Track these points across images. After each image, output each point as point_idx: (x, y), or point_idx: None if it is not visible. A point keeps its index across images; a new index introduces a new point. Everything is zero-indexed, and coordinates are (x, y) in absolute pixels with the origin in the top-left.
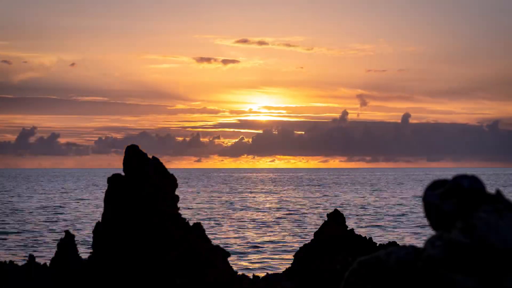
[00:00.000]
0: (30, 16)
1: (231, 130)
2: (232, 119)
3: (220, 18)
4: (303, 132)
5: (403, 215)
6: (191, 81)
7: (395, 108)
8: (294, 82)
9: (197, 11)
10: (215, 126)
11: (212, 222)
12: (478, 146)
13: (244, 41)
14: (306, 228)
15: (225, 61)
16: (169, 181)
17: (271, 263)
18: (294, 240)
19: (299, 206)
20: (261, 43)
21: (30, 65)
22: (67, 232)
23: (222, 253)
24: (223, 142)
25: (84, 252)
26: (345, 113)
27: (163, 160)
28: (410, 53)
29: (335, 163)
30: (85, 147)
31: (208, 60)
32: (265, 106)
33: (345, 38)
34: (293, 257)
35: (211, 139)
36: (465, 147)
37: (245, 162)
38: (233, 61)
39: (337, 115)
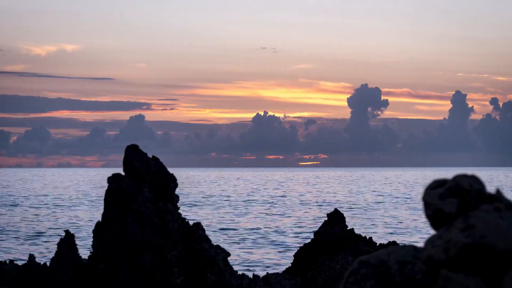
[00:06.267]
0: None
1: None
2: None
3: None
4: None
5: (403, 214)
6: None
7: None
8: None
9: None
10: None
11: (214, 221)
12: None
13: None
14: (306, 228)
15: None
16: (170, 180)
17: (271, 262)
18: (294, 240)
19: (299, 205)
20: None
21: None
22: (67, 231)
23: (222, 253)
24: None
25: (84, 252)
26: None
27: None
28: None
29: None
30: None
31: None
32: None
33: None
34: (293, 257)
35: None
36: None
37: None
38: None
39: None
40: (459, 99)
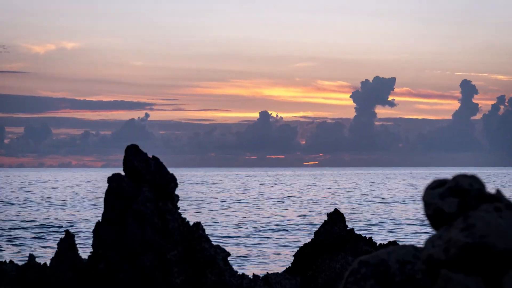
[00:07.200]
0: None
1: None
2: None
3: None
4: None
5: (403, 213)
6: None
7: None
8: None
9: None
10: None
11: (213, 221)
12: None
13: None
14: (306, 228)
15: None
16: (170, 180)
17: (271, 262)
18: (294, 240)
19: (299, 205)
20: None
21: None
22: (67, 231)
23: (222, 253)
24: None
25: (84, 252)
26: None
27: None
28: None
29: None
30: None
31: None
32: None
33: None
34: (293, 257)
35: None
36: None
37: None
38: None
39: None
40: (467, 87)
